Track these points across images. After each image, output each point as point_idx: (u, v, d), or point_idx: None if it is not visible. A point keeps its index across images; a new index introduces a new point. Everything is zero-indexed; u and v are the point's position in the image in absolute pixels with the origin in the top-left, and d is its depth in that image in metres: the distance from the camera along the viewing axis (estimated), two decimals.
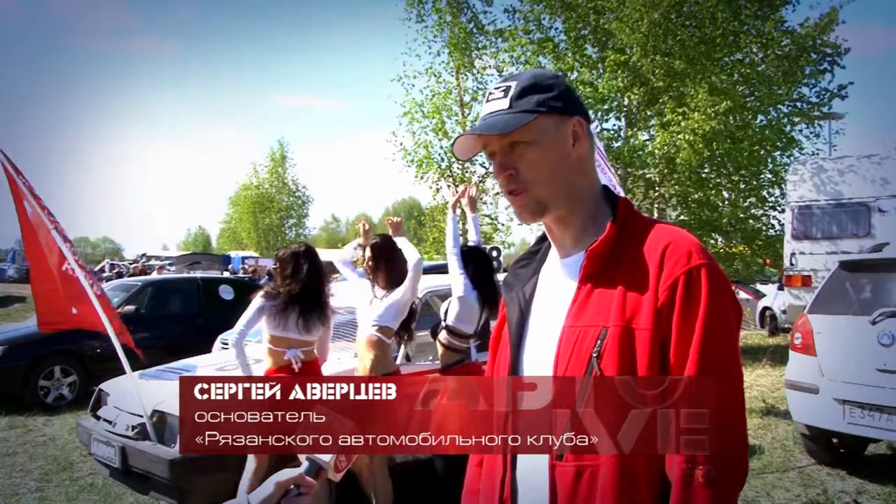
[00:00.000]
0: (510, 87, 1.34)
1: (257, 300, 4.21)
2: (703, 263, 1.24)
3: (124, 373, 4.79)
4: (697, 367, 1.19)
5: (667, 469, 1.20)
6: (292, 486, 1.21)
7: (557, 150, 1.33)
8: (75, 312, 4.96)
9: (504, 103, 1.33)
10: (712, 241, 13.73)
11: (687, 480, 1.16)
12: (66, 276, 4.87)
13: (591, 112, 12.84)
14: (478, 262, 4.40)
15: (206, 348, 6.91)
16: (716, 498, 1.16)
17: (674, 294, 1.22)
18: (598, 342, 1.24)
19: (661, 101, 13.16)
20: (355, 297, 4.61)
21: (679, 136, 12.10)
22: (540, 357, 1.32)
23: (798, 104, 14.23)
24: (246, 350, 4.24)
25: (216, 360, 5.27)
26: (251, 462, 3.98)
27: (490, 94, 1.37)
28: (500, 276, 3.18)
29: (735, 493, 1.21)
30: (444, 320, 4.37)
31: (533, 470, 1.28)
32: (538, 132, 1.32)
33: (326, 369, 4.56)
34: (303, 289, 4.18)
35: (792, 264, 10.74)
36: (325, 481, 1.26)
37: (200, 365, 5.13)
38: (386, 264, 4.36)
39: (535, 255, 1.49)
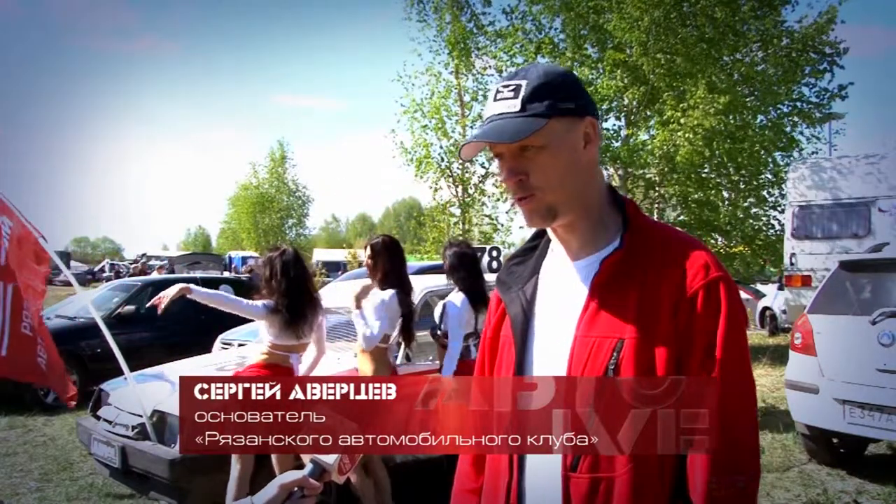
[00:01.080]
0: (520, 85, 1.26)
1: (259, 309, 4.14)
2: (720, 276, 1.25)
3: (123, 373, 4.79)
4: (720, 377, 1.19)
5: (690, 490, 1.20)
6: (296, 489, 1.21)
7: (569, 153, 1.27)
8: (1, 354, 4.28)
9: (515, 105, 1.25)
10: (712, 241, 13.70)
11: (713, 495, 1.18)
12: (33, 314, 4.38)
13: None
14: (465, 264, 4.54)
15: (206, 348, 6.92)
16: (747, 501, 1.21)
17: (693, 306, 1.22)
18: (615, 354, 1.22)
19: (660, 99, 13.14)
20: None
21: (679, 134, 12.09)
22: (550, 365, 1.29)
23: (798, 104, 14.21)
24: (241, 350, 4.21)
25: (216, 360, 5.27)
26: (235, 466, 3.96)
27: (498, 91, 1.29)
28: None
29: (757, 490, 1.24)
30: (440, 326, 4.47)
31: (544, 479, 1.26)
32: (550, 136, 1.25)
33: (327, 369, 4.55)
34: (295, 297, 4.14)
35: (792, 264, 10.74)
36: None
37: (200, 365, 5.12)
38: (385, 264, 4.36)
39: (531, 252, 1.44)
